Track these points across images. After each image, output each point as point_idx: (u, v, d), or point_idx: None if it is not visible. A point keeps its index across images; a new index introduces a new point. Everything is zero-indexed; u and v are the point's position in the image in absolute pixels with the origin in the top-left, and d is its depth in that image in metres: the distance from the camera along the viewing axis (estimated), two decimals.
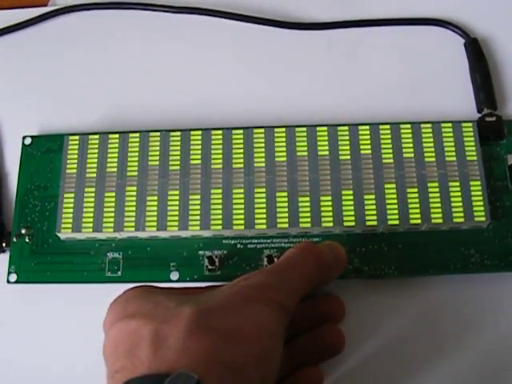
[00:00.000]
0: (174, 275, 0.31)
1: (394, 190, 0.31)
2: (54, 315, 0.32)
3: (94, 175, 0.32)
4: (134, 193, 0.32)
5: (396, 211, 0.30)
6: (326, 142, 0.32)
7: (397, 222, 0.30)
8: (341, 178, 0.31)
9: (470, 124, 0.32)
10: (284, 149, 0.32)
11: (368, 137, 0.32)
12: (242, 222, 0.31)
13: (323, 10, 0.38)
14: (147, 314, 0.24)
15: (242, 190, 0.31)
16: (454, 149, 0.32)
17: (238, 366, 0.22)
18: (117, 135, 0.33)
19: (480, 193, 0.31)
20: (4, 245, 0.32)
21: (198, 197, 0.31)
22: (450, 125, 0.32)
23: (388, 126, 0.32)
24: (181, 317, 0.23)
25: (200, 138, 0.33)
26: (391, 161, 0.31)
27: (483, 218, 0.30)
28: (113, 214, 0.31)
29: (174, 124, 0.34)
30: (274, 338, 0.24)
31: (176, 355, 0.22)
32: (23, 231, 0.32)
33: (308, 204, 0.31)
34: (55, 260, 0.32)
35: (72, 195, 0.32)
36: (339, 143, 0.32)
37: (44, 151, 0.34)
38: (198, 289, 0.28)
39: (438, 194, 0.31)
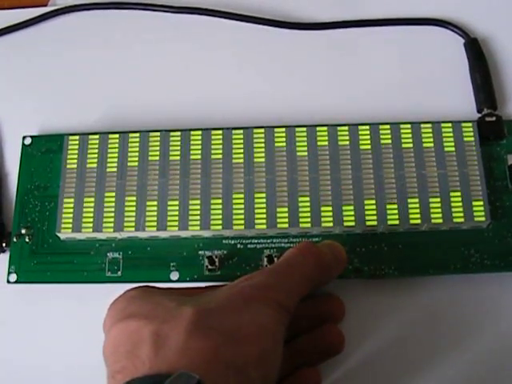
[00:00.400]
0: (174, 275, 0.31)
1: (394, 190, 0.31)
2: (54, 315, 0.32)
3: (94, 175, 0.32)
4: (134, 193, 0.32)
5: (396, 211, 0.30)
6: (326, 142, 0.32)
7: (397, 222, 0.30)
8: (341, 178, 0.31)
9: (470, 124, 0.32)
10: (284, 149, 0.32)
11: (368, 137, 0.32)
12: (242, 221, 0.31)
13: (323, 10, 0.38)
14: (148, 315, 0.24)
15: (242, 190, 0.31)
16: (454, 149, 0.32)
17: (239, 365, 0.22)
18: (117, 135, 0.33)
19: (480, 193, 0.31)
20: (4, 245, 0.32)
21: (198, 197, 0.31)
22: (449, 125, 0.32)
23: (388, 126, 0.32)
24: (181, 317, 0.23)
25: (200, 137, 0.33)
26: (391, 161, 0.31)
27: (483, 218, 0.30)
28: (113, 214, 0.31)
29: (174, 124, 0.34)
30: (275, 337, 0.24)
31: (177, 355, 0.22)
32: (23, 231, 0.32)
33: (308, 204, 0.31)
34: (55, 260, 0.32)
35: (72, 195, 0.32)
36: (339, 143, 0.32)
37: (44, 151, 0.34)
38: (198, 289, 0.28)
39: (437, 194, 0.31)
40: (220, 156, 0.32)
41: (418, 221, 0.30)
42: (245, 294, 0.25)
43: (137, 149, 0.32)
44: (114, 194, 0.32)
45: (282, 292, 0.25)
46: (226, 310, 0.24)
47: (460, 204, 0.30)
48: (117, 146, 0.33)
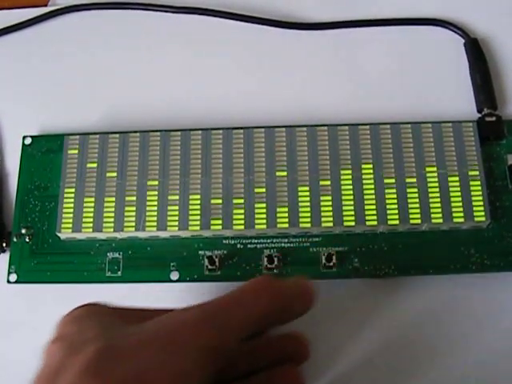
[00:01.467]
0: (174, 275, 0.31)
1: (394, 190, 0.31)
2: (54, 315, 0.31)
3: (94, 175, 0.32)
4: (134, 193, 0.32)
5: (396, 211, 0.30)
6: (326, 142, 0.32)
7: (397, 222, 0.30)
8: (341, 178, 0.31)
9: (470, 124, 0.32)
10: (284, 149, 0.32)
11: (368, 137, 0.32)
12: (242, 222, 0.31)
13: (323, 10, 0.38)
14: (66, 340, 0.23)
15: (241, 190, 0.31)
16: (454, 149, 0.32)
17: None
18: (117, 135, 0.33)
19: (480, 193, 0.31)
20: (4, 245, 0.32)
21: (198, 197, 0.31)
22: (449, 125, 0.32)
23: (388, 126, 0.32)
24: (83, 353, 0.21)
25: (200, 137, 0.33)
26: (391, 161, 0.31)
27: (483, 218, 0.30)
28: (113, 214, 0.31)
29: (174, 124, 0.34)
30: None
31: None
32: (23, 231, 0.32)
33: (308, 204, 0.31)
34: (55, 260, 0.32)
35: (72, 195, 0.32)
36: (339, 143, 0.32)
37: (44, 151, 0.34)
38: (156, 312, 0.25)
39: (437, 194, 0.31)
40: (220, 156, 0.32)
41: (418, 221, 0.30)
42: (170, 332, 0.22)
43: (137, 149, 0.32)
44: (114, 193, 0.32)
45: (215, 330, 0.23)
46: (140, 348, 0.22)
47: (460, 204, 0.30)
48: (117, 145, 0.33)
